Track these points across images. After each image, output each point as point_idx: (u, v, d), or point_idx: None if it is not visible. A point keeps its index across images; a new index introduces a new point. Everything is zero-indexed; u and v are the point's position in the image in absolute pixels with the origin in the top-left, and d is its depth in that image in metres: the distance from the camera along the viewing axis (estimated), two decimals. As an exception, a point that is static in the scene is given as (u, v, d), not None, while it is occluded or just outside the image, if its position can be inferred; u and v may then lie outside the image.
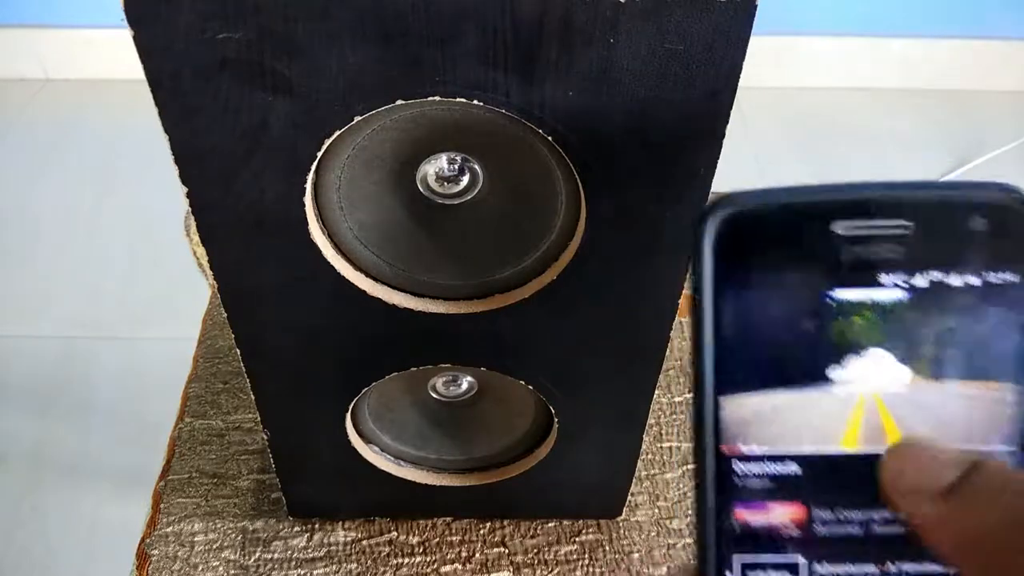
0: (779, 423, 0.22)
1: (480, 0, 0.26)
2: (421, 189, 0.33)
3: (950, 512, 0.19)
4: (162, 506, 0.49)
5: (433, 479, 0.46)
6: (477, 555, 0.48)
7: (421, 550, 0.48)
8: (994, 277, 0.21)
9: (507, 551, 0.48)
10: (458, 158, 0.33)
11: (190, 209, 0.32)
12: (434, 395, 0.45)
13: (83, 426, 1.17)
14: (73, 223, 1.44)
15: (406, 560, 0.47)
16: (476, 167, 0.33)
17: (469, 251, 0.35)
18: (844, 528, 0.22)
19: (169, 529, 0.48)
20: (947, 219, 0.21)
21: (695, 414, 0.23)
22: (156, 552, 0.47)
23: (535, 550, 0.48)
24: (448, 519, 0.49)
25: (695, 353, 0.22)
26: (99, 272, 1.36)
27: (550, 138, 0.29)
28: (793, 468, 0.22)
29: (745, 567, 0.22)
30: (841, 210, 0.21)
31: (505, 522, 0.49)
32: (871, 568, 0.22)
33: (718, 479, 0.23)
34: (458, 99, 0.28)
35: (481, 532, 0.48)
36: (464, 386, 0.45)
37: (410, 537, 0.48)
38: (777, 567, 0.22)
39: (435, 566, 0.47)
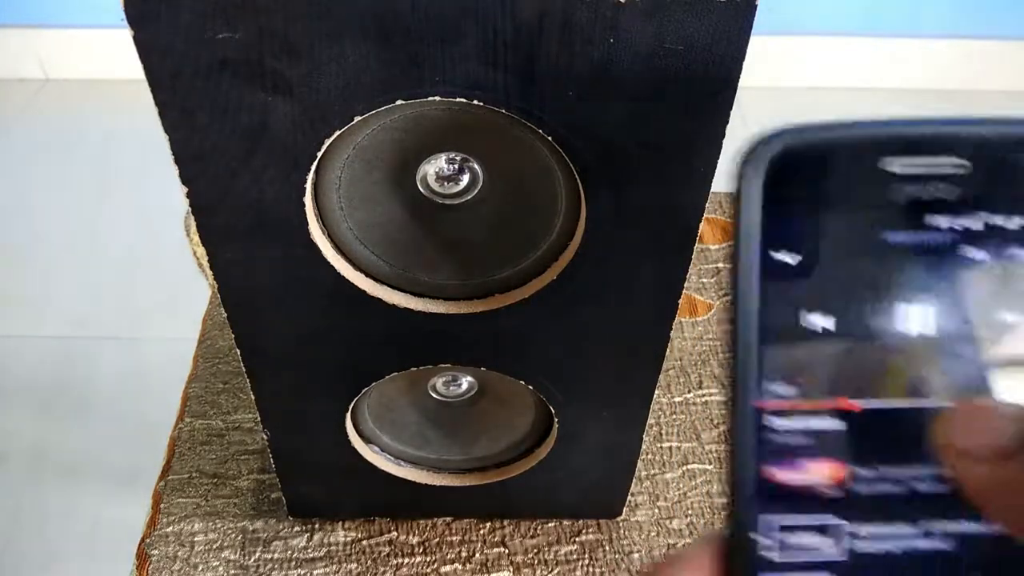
0: (822, 374, 0.21)
1: (480, 0, 0.26)
2: (421, 189, 0.33)
3: (1009, 474, 0.18)
4: (162, 506, 0.49)
5: (433, 479, 0.46)
6: (477, 555, 0.48)
7: (421, 550, 0.48)
8: None
9: (507, 551, 0.48)
10: (458, 158, 0.33)
11: (190, 209, 0.32)
12: (434, 395, 0.45)
13: (83, 426, 1.17)
14: (73, 223, 1.44)
15: (406, 560, 0.47)
16: (476, 167, 0.33)
17: (469, 251, 0.35)
18: (884, 487, 0.21)
19: (169, 529, 0.48)
20: (1014, 159, 0.19)
21: (731, 366, 0.21)
22: (156, 552, 0.47)
23: (535, 550, 0.48)
24: (448, 519, 0.49)
25: (733, 300, 0.21)
26: (99, 272, 1.36)
27: (550, 138, 0.30)
28: (834, 423, 0.21)
29: (778, 527, 0.21)
30: (898, 146, 0.20)
31: (505, 522, 0.49)
32: (911, 529, 0.21)
33: (751, 435, 0.21)
34: (458, 99, 0.28)
35: (481, 532, 0.48)
36: (464, 386, 0.45)
37: (410, 537, 0.48)
38: (812, 528, 0.21)
39: (435, 566, 0.47)
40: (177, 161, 0.30)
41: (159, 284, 1.32)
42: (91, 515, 1.08)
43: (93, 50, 1.67)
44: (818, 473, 0.21)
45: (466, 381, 0.44)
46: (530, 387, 0.40)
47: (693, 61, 0.27)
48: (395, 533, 0.48)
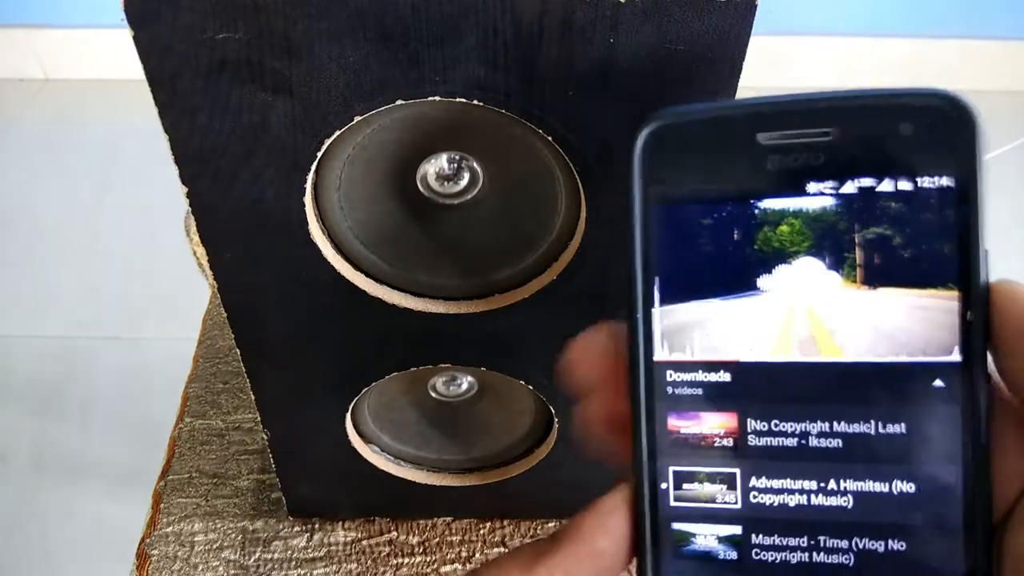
0: (711, 332, 0.22)
1: (480, 0, 0.26)
2: (421, 189, 0.33)
3: None
4: (162, 506, 0.49)
5: (433, 479, 0.46)
6: (477, 555, 0.47)
7: (421, 550, 0.48)
8: (925, 182, 0.21)
9: (507, 551, 0.48)
10: (458, 158, 0.33)
11: (190, 209, 0.32)
12: (434, 395, 0.45)
13: (83, 426, 1.17)
14: (73, 223, 1.44)
15: (406, 560, 0.47)
16: (476, 167, 0.33)
17: (469, 251, 0.35)
18: (779, 440, 0.22)
19: (169, 529, 0.48)
20: (875, 125, 0.21)
21: (628, 326, 0.23)
22: (156, 552, 0.47)
23: (535, 550, 0.48)
24: (448, 519, 0.49)
25: (627, 264, 0.23)
26: (99, 272, 1.36)
27: (550, 138, 0.29)
28: (726, 377, 0.22)
29: (679, 477, 0.22)
30: (766, 120, 0.21)
31: (505, 522, 0.49)
32: (810, 483, 0.22)
33: (650, 389, 0.23)
34: (458, 99, 0.28)
35: (481, 532, 0.48)
36: (464, 386, 0.45)
37: (410, 537, 0.48)
38: (712, 478, 0.22)
39: (435, 566, 0.47)
40: (177, 161, 0.30)
41: (159, 284, 1.32)
42: (91, 515, 1.08)
43: (93, 50, 1.67)
44: (714, 424, 0.22)
45: (466, 381, 0.44)
46: (530, 387, 0.40)
47: (693, 61, 0.27)
48: (395, 533, 0.48)
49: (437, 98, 0.28)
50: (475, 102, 0.28)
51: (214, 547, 0.48)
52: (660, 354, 0.23)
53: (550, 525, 0.49)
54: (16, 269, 1.37)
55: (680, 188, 0.22)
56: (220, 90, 0.28)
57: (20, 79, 1.71)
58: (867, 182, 0.21)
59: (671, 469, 0.22)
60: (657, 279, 0.22)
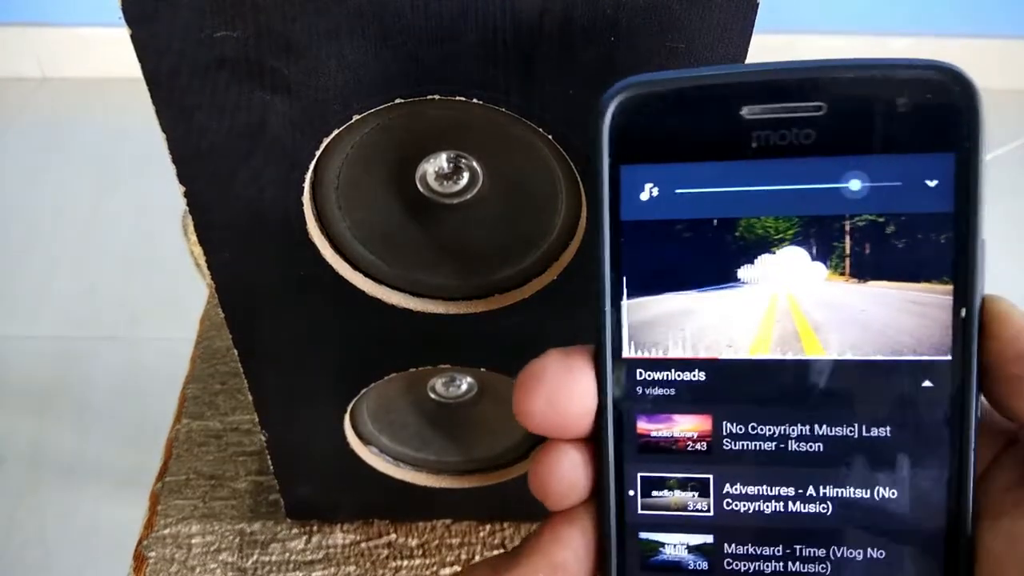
0: (685, 327, 0.20)
1: (480, -2, 0.26)
2: (420, 188, 0.33)
3: None
4: (159, 508, 0.49)
5: (432, 481, 0.46)
6: (477, 557, 0.47)
7: (420, 552, 0.48)
8: (921, 163, 0.19)
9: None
10: (456, 157, 0.33)
11: (188, 208, 0.31)
12: (433, 396, 0.45)
13: (81, 427, 1.17)
14: (71, 223, 1.44)
15: (405, 562, 0.47)
16: (476, 166, 0.33)
17: (469, 251, 0.35)
18: (756, 444, 0.20)
19: (166, 531, 0.48)
20: (867, 100, 0.19)
21: (595, 319, 0.21)
22: (153, 554, 0.47)
23: (535, 552, 0.48)
24: (447, 521, 0.49)
25: (594, 252, 0.21)
26: (96, 272, 1.36)
27: (550, 137, 0.29)
28: (700, 376, 0.20)
29: (647, 484, 0.21)
30: (749, 92, 0.19)
31: (505, 524, 0.49)
32: (788, 489, 0.20)
33: (618, 388, 0.21)
34: (457, 98, 0.28)
35: (481, 534, 0.48)
36: (464, 387, 0.44)
37: (409, 539, 0.48)
38: (683, 484, 0.21)
39: (434, 568, 0.47)
40: (175, 160, 0.30)
41: (157, 284, 1.32)
42: (88, 516, 1.08)
43: (91, 48, 1.67)
44: (687, 427, 0.21)
45: (466, 382, 0.44)
46: (530, 388, 0.40)
47: (695, 59, 0.27)
48: (394, 535, 0.48)
49: (436, 97, 0.28)
50: (475, 101, 0.28)
51: (211, 549, 0.47)
52: (629, 351, 0.21)
53: (550, 526, 0.49)
54: (13, 269, 1.37)
55: (653, 166, 0.20)
56: (218, 89, 0.28)
57: (17, 78, 1.71)
58: (859, 163, 0.19)
59: (639, 475, 0.21)
60: (627, 268, 0.20)
